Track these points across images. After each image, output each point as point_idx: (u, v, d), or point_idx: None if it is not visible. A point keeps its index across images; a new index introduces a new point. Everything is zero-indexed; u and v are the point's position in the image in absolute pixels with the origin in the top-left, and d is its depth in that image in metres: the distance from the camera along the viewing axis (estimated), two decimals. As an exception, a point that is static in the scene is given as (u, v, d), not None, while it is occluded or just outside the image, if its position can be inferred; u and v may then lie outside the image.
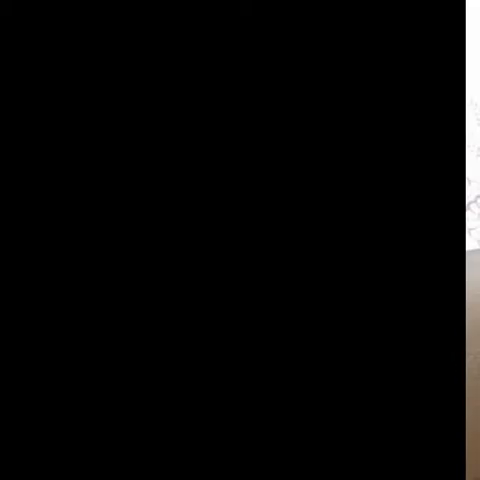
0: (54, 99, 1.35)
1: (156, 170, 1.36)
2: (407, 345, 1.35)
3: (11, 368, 1.33)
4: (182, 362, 1.36)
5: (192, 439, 1.35)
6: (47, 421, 1.34)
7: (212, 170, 1.36)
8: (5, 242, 1.34)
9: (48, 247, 1.35)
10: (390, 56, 1.36)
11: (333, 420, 1.34)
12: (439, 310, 1.35)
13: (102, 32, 1.34)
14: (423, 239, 1.36)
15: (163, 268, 1.36)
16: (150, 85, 1.35)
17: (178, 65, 1.35)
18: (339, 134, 1.36)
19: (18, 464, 1.33)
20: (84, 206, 1.35)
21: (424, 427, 1.33)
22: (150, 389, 1.35)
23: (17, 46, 1.33)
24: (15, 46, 1.33)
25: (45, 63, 1.33)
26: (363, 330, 1.35)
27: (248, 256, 1.36)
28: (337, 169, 1.36)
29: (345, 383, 1.34)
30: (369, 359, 1.34)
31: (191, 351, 1.36)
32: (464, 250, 1.37)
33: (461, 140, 1.37)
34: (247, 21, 1.30)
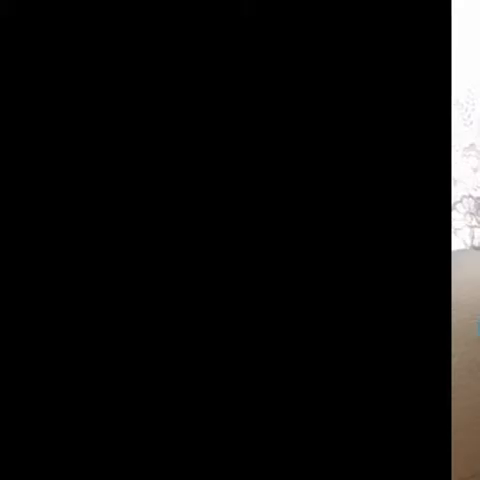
0: (54, 99, 1.34)
1: (156, 170, 1.35)
2: (392, 345, 1.35)
3: (11, 368, 1.32)
4: (182, 361, 1.35)
5: (192, 439, 1.35)
6: (46, 420, 1.33)
7: (212, 170, 1.36)
8: (5, 242, 1.33)
9: (48, 247, 1.34)
10: (377, 57, 1.36)
11: (317, 416, 1.34)
12: (425, 310, 1.35)
13: (103, 32, 1.33)
14: (409, 239, 1.36)
15: (162, 268, 1.36)
16: (151, 85, 1.35)
17: (178, 65, 1.35)
18: (327, 135, 1.36)
19: (18, 464, 1.32)
20: (83, 206, 1.35)
21: (410, 428, 1.33)
22: (149, 389, 1.35)
23: (17, 46, 1.32)
24: (15, 46, 1.32)
25: (45, 63, 1.33)
26: (348, 330, 1.35)
27: (247, 255, 1.36)
28: (322, 169, 1.36)
29: (329, 383, 1.34)
30: (354, 360, 1.34)
31: (190, 350, 1.35)
32: (450, 250, 1.37)
33: (447, 140, 1.37)
34: (249, 21, 1.30)
